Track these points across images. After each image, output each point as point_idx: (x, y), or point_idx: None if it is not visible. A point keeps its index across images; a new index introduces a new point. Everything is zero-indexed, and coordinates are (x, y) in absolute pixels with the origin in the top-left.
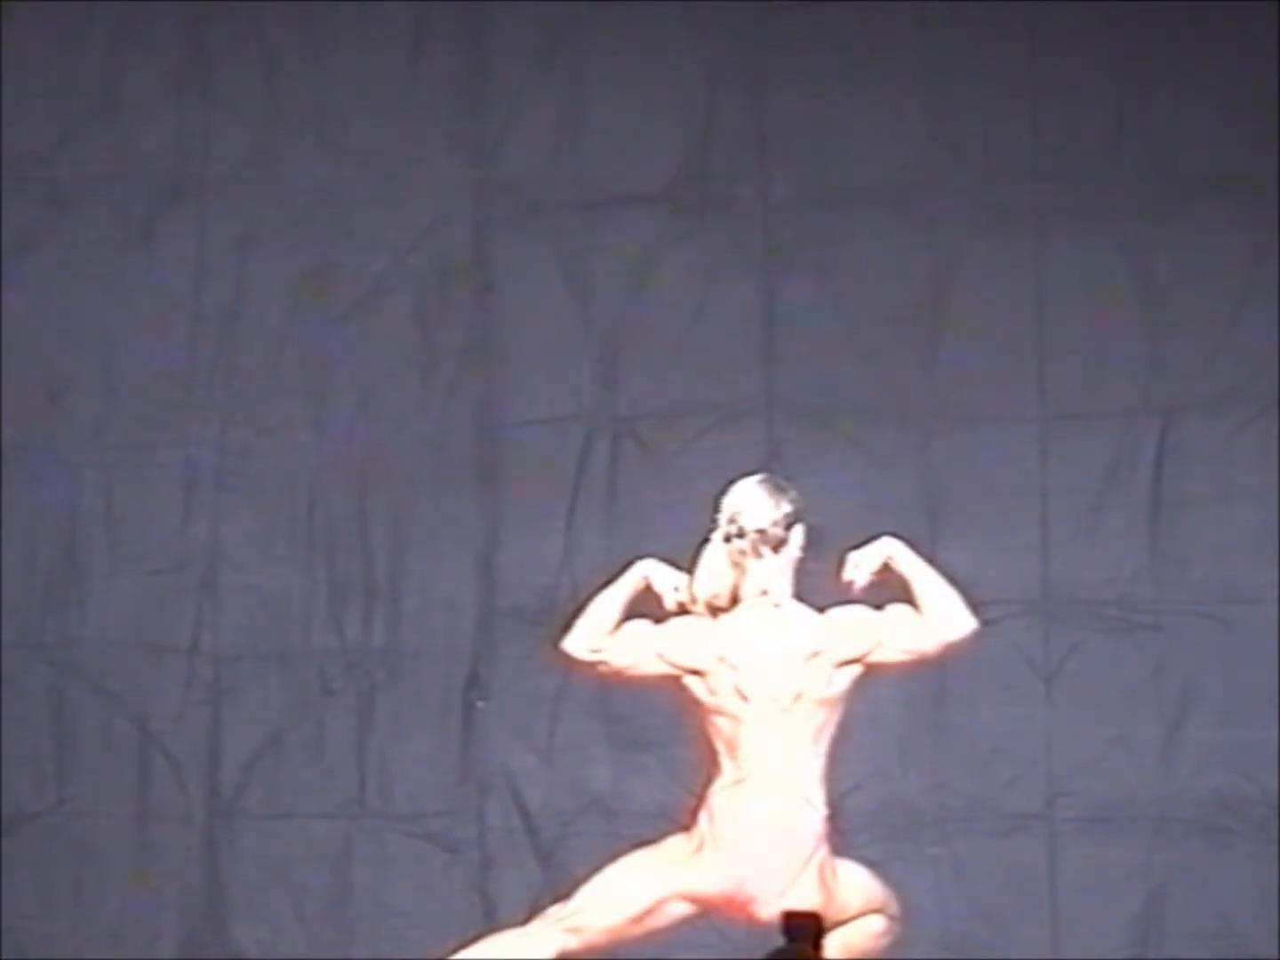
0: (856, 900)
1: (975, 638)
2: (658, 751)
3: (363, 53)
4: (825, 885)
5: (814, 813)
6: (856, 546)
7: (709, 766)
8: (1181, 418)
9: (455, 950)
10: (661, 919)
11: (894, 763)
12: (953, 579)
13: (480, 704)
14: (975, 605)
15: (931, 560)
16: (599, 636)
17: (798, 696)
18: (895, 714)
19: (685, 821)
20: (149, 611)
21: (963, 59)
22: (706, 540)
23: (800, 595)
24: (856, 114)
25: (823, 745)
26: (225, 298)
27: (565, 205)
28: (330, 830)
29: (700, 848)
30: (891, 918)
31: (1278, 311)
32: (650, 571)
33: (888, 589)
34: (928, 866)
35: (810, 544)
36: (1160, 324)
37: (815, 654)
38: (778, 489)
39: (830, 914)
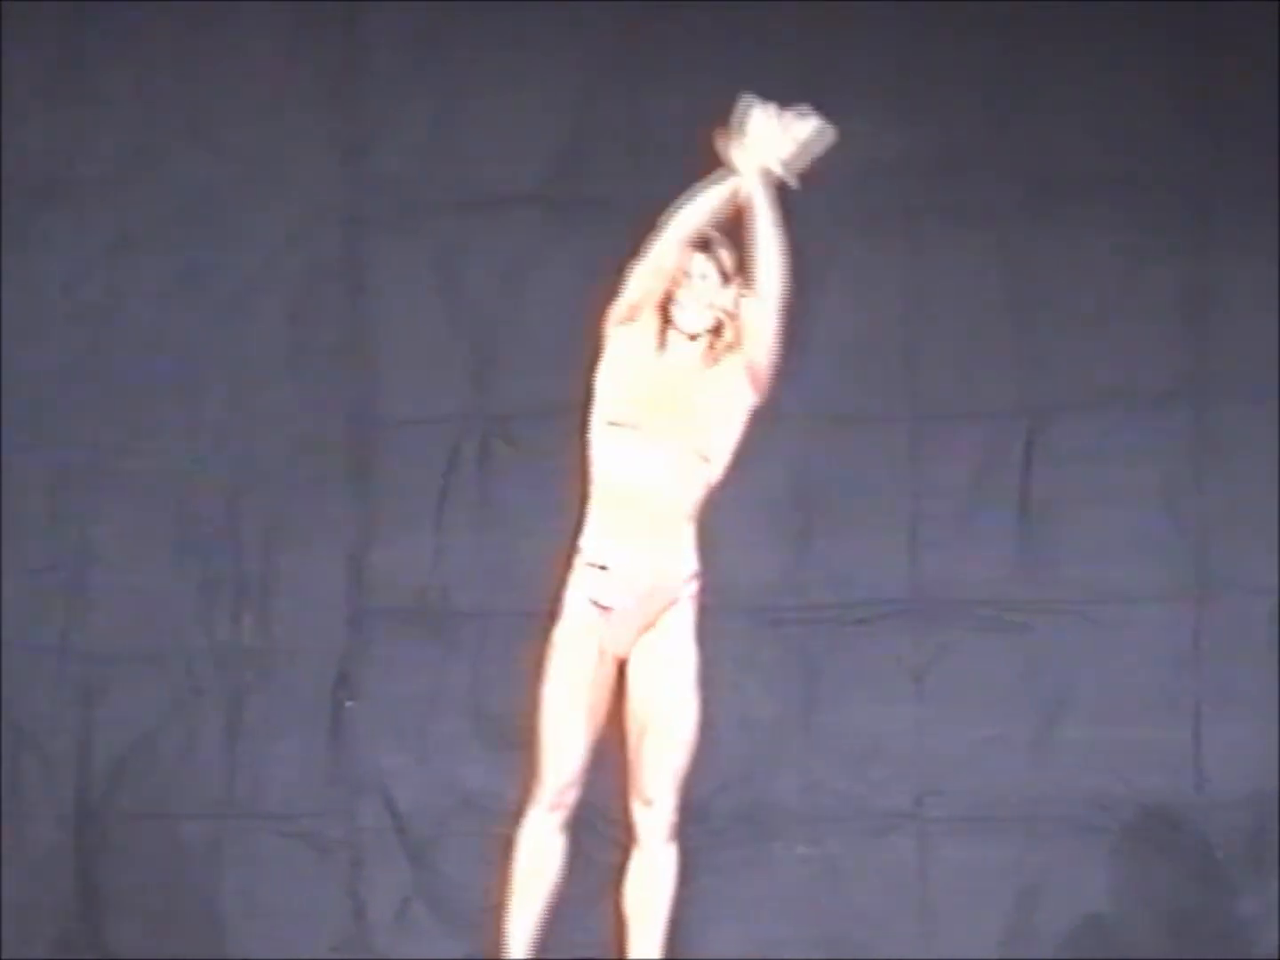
0: None
1: (848, 637)
2: (531, 751)
3: (236, 51)
4: None
5: None
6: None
7: None
8: (1052, 418)
9: (327, 950)
10: None
11: (764, 763)
12: (824, 578)
13: (349, 704)
14: (846, 605)
15: (805, 556)
16: None
17: None
18: (765, 714)
19: None
20: (19, 611)
21: (834, 58)
22: None
23: None
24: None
25: None
26: (98, 298)
27: (439, 204)
28: (201, 830)
29: None
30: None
31: (1151, 313)
32: None
33: None
34: (799, 866)
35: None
36: (1031, 325)
37: None
38: None
39: None
